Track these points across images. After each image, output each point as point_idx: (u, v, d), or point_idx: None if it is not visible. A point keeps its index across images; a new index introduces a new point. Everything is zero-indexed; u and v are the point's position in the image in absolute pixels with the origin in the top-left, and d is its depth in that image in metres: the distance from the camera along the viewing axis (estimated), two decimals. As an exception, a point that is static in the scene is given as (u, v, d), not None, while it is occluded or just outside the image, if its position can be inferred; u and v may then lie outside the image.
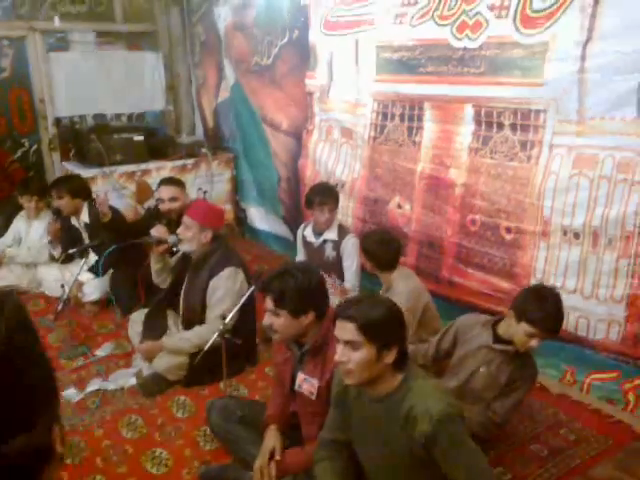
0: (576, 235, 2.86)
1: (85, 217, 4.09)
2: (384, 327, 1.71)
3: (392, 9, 3.47)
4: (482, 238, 3.30)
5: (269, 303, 2.17)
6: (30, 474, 0.77)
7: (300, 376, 2.23)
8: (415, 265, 3.71)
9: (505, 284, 3.20)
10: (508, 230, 3.15)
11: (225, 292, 3.02)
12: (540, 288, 2.44)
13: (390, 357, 1.72)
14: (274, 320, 2.17)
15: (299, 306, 2.15)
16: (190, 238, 3.10)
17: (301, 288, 2.16)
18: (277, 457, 2.22)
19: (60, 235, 4.21)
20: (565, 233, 2.90)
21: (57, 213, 4.14)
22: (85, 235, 4.12)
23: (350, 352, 1.72)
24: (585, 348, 2.92)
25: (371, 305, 1.75)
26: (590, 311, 2.86)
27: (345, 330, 1.73)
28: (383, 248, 3.05)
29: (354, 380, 1.75)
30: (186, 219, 3.12)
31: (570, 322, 2.92)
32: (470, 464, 1.67)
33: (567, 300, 2.87)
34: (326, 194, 3.57)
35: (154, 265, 3.41)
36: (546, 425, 2.81)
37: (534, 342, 2.29)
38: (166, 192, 3.79)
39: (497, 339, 2.43)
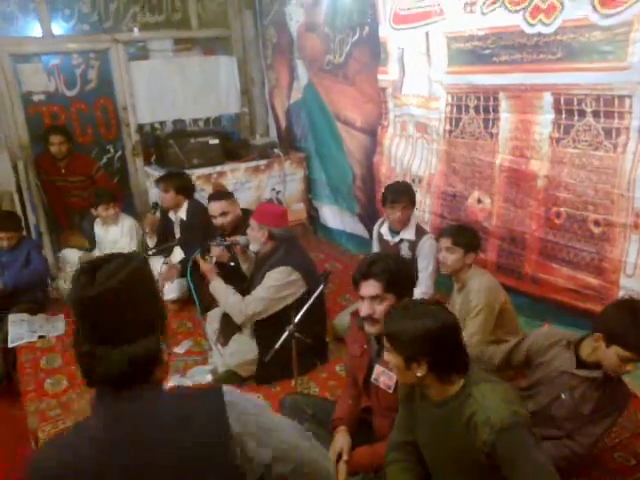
0: (670, 227, 2.65)
1: (183, 214, 4.28)
2: (408, 341, 1.68)
3: (461, -3, 3.36)
4: (568, 232, 3.13)
5: (373, 288, 2.13)
6: (147, 371, 1.22)
7: (378, 369, 2.21)
8: (496, 261, 3.59)
9: (593, 280, 3.02)
10: (596, 223, 2.97)
11: (273, 283, 3.07)
12: (629, 305, 2.12)
13: (420, 370, 1.68)
14: (376, 308, 2.13)
15: (404, 288, 2.15)
16: (253, 237, 3.22)
17: (403, 270, 2.18)
18: (345, 458, 2.20)
19: (158, 226, 4.42)
20: (658, 225, 2.70)
21: (155, 206, 4.37)
22: (177, 230, 4.32)
23: (387, 355, 1.78)
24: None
25: (400, 316, 1.75)
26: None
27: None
28: (470, 232, 3.03)
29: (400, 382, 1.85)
30: (250, 220, 3.24)
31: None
32: (534, 475, 1.56)
33: (660, 296, 2.71)
34: (398, 192, 3.53)
35: (242, 264, 3.55)
36: (634, 432, 2.63)
37: (630, 367, 2.04)
38: (215, 208, 3.79)
39: (580, 363, 2.18)
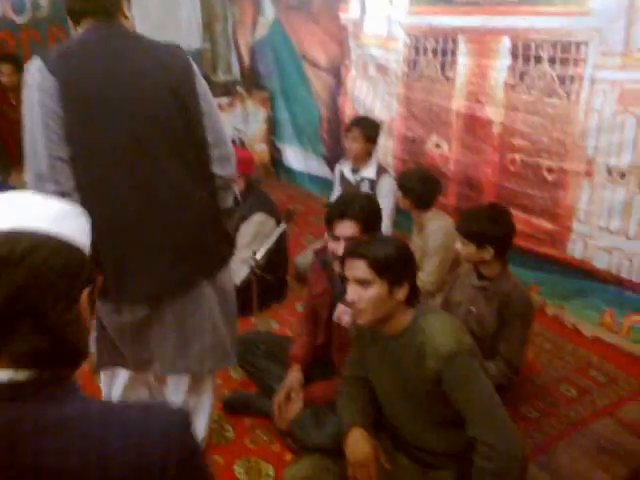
0: (622, 175, 2.74)
1: None
2: (395, 263, 1.68)
3: None
4: (523, 178, 3.20)
5: (350, 229, 2.08)
6: None
7: (340, 307, 2.22)
8: (455, 206, 3.65)
9: (547, 225, 3.13)
10: (550, 170, 3.05)
11: (253, 237, 3.12)
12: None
13: (402, 293, 1.70)
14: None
15: (376, 230, 2.15)
16: None
17: (376, 209, 2.18)
18: (293, 395, 2.27)
19: None
20: (610, 173, 2.79)
21: None
22: None
23: (361, 290, 1.69)
24: (626, 290, 2.85)
25: (380, 243, 1.74)
26: (634, 252, 2.78)
27: (356, 268, 1.70)
28: (423, 186, 3.01)
29: (366, 319, 1.73)
30: None
31: (613, 263, 2.87)
32: (479, 401, 1.64)
33: (610, 241, 2.85)
34: (352, 122, 3.55)
35: None
36: (576, 367, 2.81)
37: (458, 245, 2.32)
38: None
39: (480, 276, 2.38)
